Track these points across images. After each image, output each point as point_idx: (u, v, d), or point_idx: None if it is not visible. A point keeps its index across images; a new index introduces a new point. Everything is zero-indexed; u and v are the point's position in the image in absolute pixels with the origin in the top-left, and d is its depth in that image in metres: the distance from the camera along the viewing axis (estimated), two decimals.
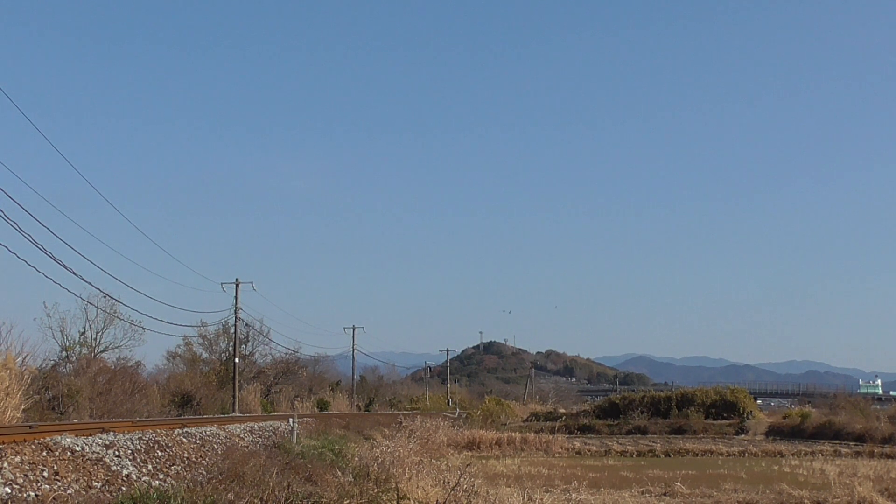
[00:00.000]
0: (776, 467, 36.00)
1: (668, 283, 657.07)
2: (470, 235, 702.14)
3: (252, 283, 51.57)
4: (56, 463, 13.16)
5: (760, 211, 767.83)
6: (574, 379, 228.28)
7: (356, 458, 23.20)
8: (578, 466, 36.12)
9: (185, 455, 18.05)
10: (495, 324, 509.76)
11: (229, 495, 12.53)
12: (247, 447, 22.25)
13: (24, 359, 27.10)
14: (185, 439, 19.91)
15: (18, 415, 23.44)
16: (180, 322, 76.45)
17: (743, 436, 58.25)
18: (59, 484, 12.26)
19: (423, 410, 73.50)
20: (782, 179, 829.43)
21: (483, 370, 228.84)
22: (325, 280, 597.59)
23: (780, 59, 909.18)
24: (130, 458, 15.53)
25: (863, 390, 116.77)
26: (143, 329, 45.93)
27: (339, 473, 17.05)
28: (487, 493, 18.94)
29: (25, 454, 12.98)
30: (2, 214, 22.16)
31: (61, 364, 39.81)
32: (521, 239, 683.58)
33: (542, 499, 19.79)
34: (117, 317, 45.45)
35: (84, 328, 44.67)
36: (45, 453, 13.50)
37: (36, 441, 14.20)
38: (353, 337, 79.54)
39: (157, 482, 14.21)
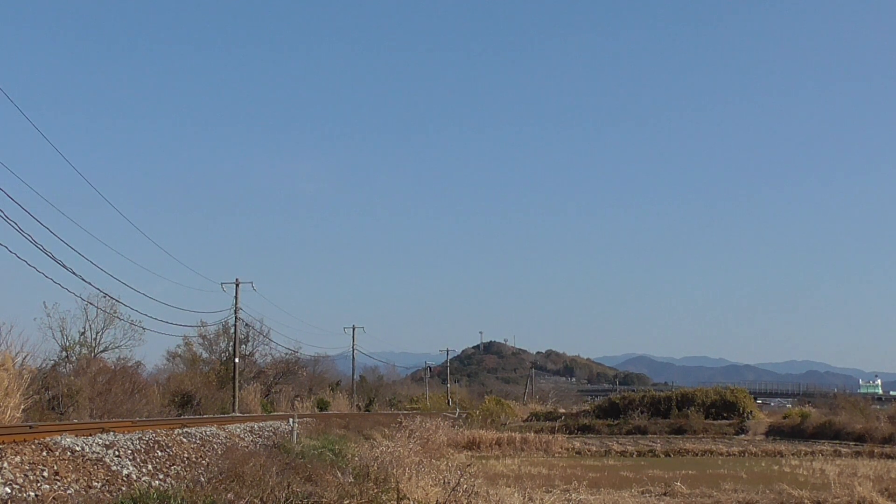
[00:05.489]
0: (776, 467, 36.00)
1: (668, 283, 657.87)
2: (469, 235, 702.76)
3: (252, 283, 51.60)
4: (56, 463, 13.16)
5: (760, 211, 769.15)
6: (574, 379, 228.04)
7: (356, 458, 23.15)
8: (578, 466, 36.11)
9: (185, 455, 18.04)
10: (495, 324, 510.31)
11: (229, 495, 12.53)
12: (247, 447, 22.23)
13: (24, 359, 27.08)
14: (185, 439, 19.90)
15: (18, 415, 23.44)
16: (180, 322, 76.56)
17: (743, 436, 58.23)
18: (59, 484, 12.25)
19: (423, 410, 73.49)
20: (782, 179, 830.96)
21: (483, 370, 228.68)
22: (325, 280, 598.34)
23: (779, 59, 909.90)
24: (130, 458, 15.53)
25: (863, 390, 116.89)
26: (144, 329, 45.96)
27: (339, 473, 17.00)
28: (488, 493, 18.91)
29: (25, 454, 12.98)
30: (2, 214, 22.17)
31: (61, 364, 39.83)
32: (520, 239, 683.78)
33: (542, 499, 19.79)
34: (117, 317, 45.50)
35: (84, 328, 44.71)
36: (45, 453, 13.50)
37: (36, 441, 14.20)
38: (353, 337, 79.59)
39: (157, 482, 14.21)
